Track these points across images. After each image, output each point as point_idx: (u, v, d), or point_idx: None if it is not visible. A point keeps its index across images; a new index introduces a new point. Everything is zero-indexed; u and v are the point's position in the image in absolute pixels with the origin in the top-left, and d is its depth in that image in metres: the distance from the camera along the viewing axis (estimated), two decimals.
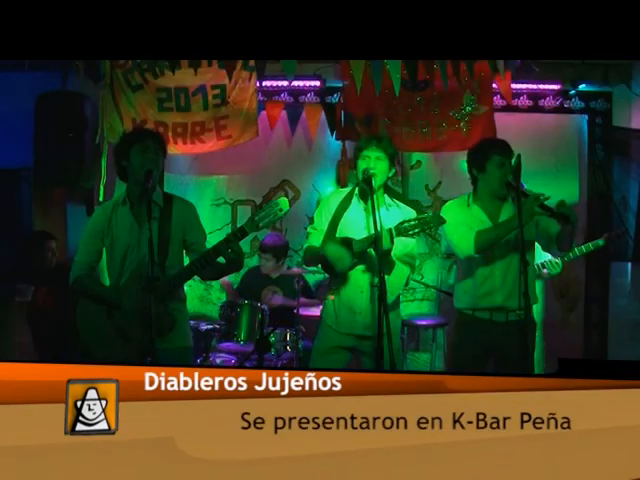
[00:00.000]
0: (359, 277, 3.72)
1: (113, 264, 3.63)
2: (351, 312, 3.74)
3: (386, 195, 3.80)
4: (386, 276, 3.50)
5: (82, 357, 3.72)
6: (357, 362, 3.89)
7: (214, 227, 5.78)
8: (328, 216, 3.80)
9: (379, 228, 3.45)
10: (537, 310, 4.40)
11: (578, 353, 5.77)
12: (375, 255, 3.50)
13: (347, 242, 3.63)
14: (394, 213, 3.73)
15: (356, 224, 3.74)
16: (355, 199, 3.81)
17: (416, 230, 3.48)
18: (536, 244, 3.97)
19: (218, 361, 5.23)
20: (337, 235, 3.72)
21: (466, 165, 3.97)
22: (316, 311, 5.00)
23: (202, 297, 5.97)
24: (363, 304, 3.71)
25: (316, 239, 3.80)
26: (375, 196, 3.54)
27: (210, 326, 5.25)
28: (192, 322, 4.79)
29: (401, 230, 3.49)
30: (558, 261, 4.88)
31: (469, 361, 3.86)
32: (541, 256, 4.76)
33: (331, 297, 3.82)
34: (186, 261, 3.68)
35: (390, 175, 3.78)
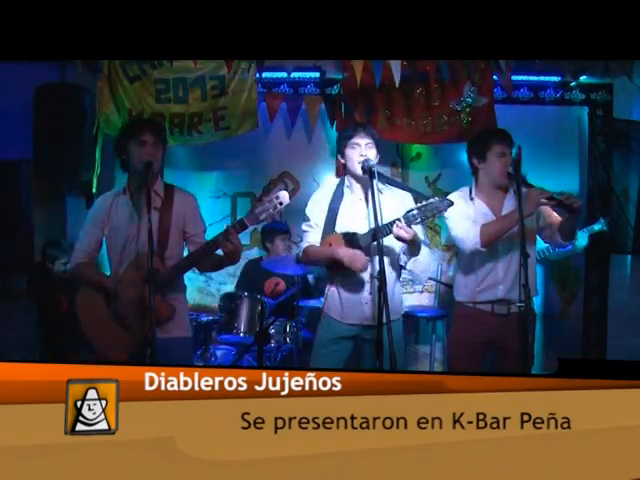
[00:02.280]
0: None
1: (113, 254, 3.64)
2: (357, 303, 3.72)
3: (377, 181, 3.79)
4: (417, 259, 3.59)
5: (81, 347, 3.74)
6: (358, 350, 3.89)
7: (214, 219, 5.77)
8: (322, 212, 3.77)
9: (379, 219, 3.44)
10: (536, 301, 4.40)
11: (577, 345, 5.78)
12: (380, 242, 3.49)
13: (351, 238, 3.62)
14: (388, 197, 3.72)
15: (354, 216, 3.72)
16: (347, 191, 3.79)
17: (426, 215, 3.47)
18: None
19: (218, 353, 5.24)
20: (336, 230, 3.70)
21: (467, 155, 3.97)
22: (316, 302, 5.02)
23: (202, 289, 5.96)
24: (369, 294, 3.70)
25: (314, 237, 3.78)
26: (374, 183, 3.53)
27: (210, 318, 5.26)
28: (192, 314, 4.80)
29: (410, 218, 3.47)
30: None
31: (470, 353, 3.86)
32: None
33: (331, 289, 3.81)
34: (186, 252, 3.68)
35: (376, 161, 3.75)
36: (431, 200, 3.51)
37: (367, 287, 3.70)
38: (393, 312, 3.43)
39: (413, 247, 3.65)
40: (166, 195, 3.63)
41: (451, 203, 3.55)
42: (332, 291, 3.80)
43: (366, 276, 3.69)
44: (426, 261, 3.77)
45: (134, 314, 3.45)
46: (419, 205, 3.50)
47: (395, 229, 3.47)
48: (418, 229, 3.69)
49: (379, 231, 3.43)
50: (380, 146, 3.79)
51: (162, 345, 3.23)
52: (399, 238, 3.52)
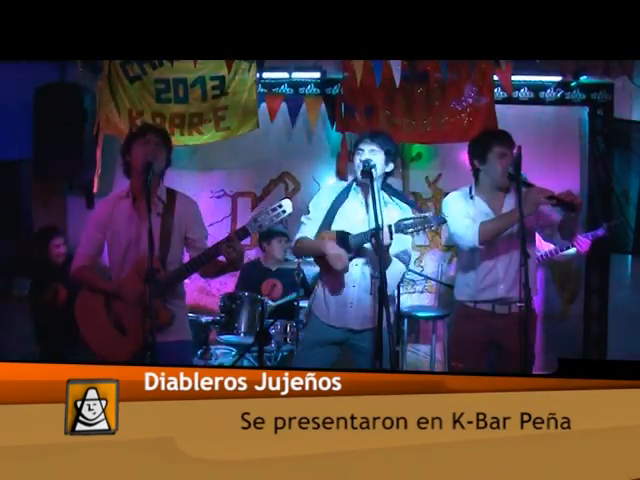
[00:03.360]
0: (352, 270, 3.70)
1: (114, 257, 3.63)
2: (343, 305, 3.72)
3: (384, 193, 3.78)
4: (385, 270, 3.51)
5: (81, 350, 3.73)
6: (346, 358, 3.88)
7: (214, 219, 5.79)
8: (324, 208, 3.78)
9: (379, 221, 3.44)
10: (537, 302, 4.41)
11: (577, 345, 5.79)
12: (372, 250, 3.49)
13: (343, 236, 3.63)
14: (393, 212, 3.71)
15: (352, 218, 3.71)
16: (353, 193, 3.79)
17: (417, 228, 3.48)
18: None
19: (218, 353, 5.25)
20: (332, 228, 3.71)
21: (467, 156, 3.97)
22: None
23: (202, 289, 5.97)
24: (355, 297, 3.70)
25: (310, 230, 3.78)
26: (375, 185, 3.53)
27: (210, 318, 5.27)
28: (192, 314, 4.80)
29: (401, 227, 3.47)
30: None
31: (470, 353, 3.86)
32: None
33: (316, 296, 3.81)
34: (186, 257, 3.68)
35: (388, 170, 3.73)
36: (425, 214, 3.52)
37: (357, 290, 3.70)
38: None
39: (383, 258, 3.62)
40: (168, 200, 3.62)
41: (444, 221, 3.59)
42: (319, 290, 3.81)
43: (358, 278, 3.69)
44: (391, 276, 3.69)
45: (134, 318, 3.44)
46: (412, 216, 3.52)
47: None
48: (407, 243, 3.71)
49: (380, 231, 3.44)
50: (393, 153, 3.76)
51: (162, 349, 3.22)
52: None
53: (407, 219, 3.48)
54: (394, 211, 3.70)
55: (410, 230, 3.47)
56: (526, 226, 3.49)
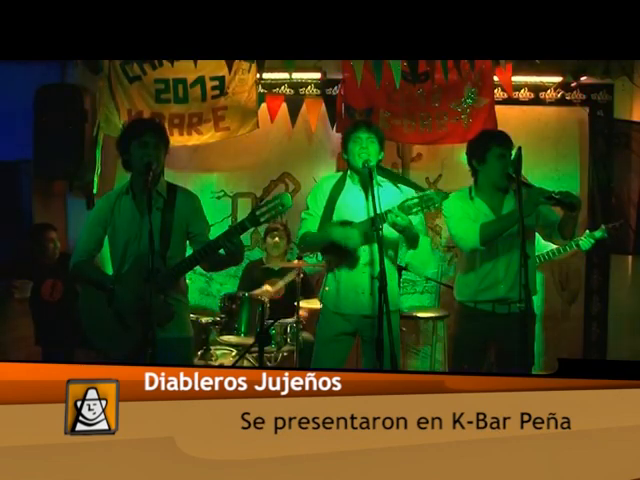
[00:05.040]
0: (361, 257, 3.72)
1: (115, 253, 3.63)
2: (354, 292, 3.73)
3: (381, 177, 3.81)
4: (413, 250, 3.65)
5: (82, 345, 3.73)
6: (358, 348, 3.90)
7: (215, 220, 5.78)
8: (323, 201, 3.81)
9: (378, 213, 3.47)
10: (537, 302, 4.41)
11: (578, 346, 5.78)
12: (379, 236, 3.50)
13: (348, 225, 3.64)
14: (388, 190, 3.75)
15: (352, 206, 3.75)
16: (349, 181, 3.82)
17: (420, 207, 3.50)
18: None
19: (219, 354, 5.24)
20: (334, 219, 3.73)
21: (466, 157, 3.97)
22: (316, 303, 5.02)
23: (202, 290, 5.97)
24: (366, 284, 3.71)
25: (312, 225, 3.80)
26: (374, 182, 3.56)
27: (210, 319, 5.26)
28: (192, 315, 4.79)
29: (404, 208, 3.50)
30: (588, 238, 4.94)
31: (470, 353, 3.87)
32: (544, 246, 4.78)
33: (326, 288, 3.83)
34: (189, 252, 3.68)
35: (380, 158, 3.78)
36: (427, 192, 3.53)
37: (367, 276, 3.71)
38: (391, 304, 3.45)
39: (410, 237, 3.67)
40: (169, 195, 3.62)
41: (446, 195, 3.60)
42: (328, 282, 3.83)
43: (368, 264, 3.70)
44: (426, 253, 3.77)
45: (135, 314, 3.44)
46: (414, 196, 3.53)
47: (390, 216, 3.50)
48: (419, 221, 3.72)
49: (378, 230, 3.46)
50: (384, 142, 3.81)
51: (162, 345, 3.22)
52: (394, 225, 3.55)
53: (409, 199, 3.50)
54: (389, 190, 3.73)
55: (414, 210, 3.49)
56: (526, 226, 3.49)
